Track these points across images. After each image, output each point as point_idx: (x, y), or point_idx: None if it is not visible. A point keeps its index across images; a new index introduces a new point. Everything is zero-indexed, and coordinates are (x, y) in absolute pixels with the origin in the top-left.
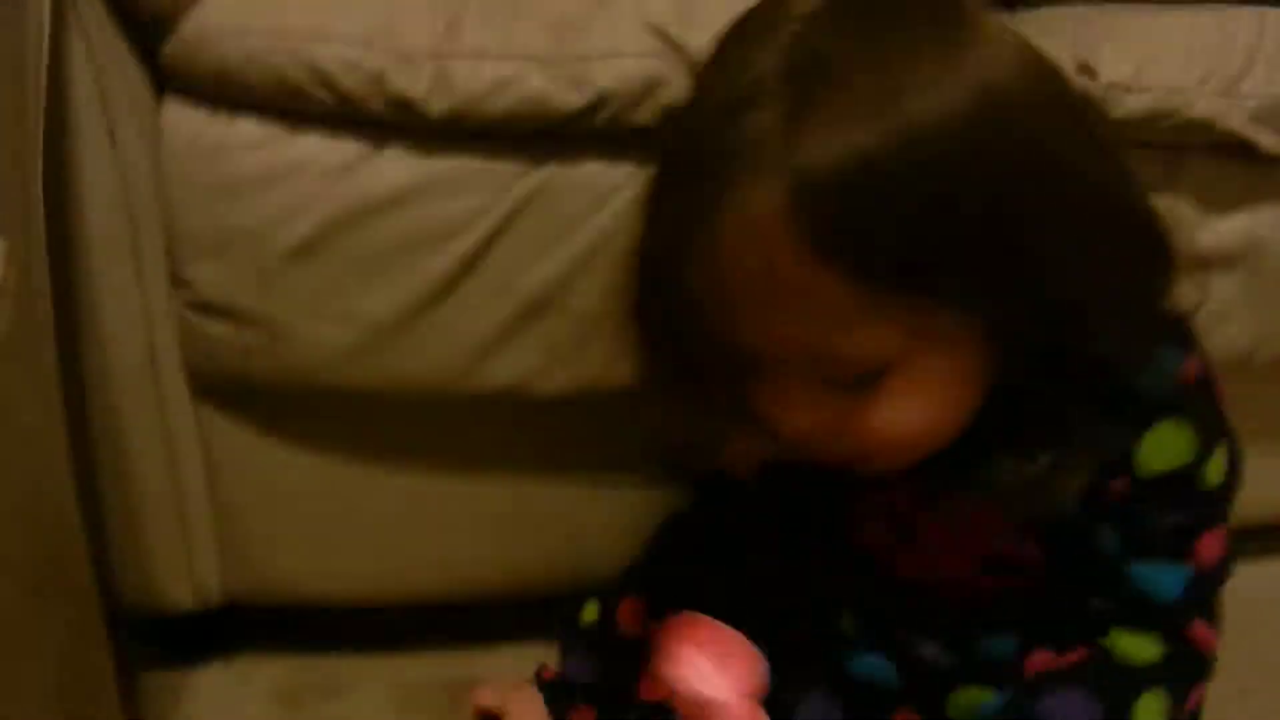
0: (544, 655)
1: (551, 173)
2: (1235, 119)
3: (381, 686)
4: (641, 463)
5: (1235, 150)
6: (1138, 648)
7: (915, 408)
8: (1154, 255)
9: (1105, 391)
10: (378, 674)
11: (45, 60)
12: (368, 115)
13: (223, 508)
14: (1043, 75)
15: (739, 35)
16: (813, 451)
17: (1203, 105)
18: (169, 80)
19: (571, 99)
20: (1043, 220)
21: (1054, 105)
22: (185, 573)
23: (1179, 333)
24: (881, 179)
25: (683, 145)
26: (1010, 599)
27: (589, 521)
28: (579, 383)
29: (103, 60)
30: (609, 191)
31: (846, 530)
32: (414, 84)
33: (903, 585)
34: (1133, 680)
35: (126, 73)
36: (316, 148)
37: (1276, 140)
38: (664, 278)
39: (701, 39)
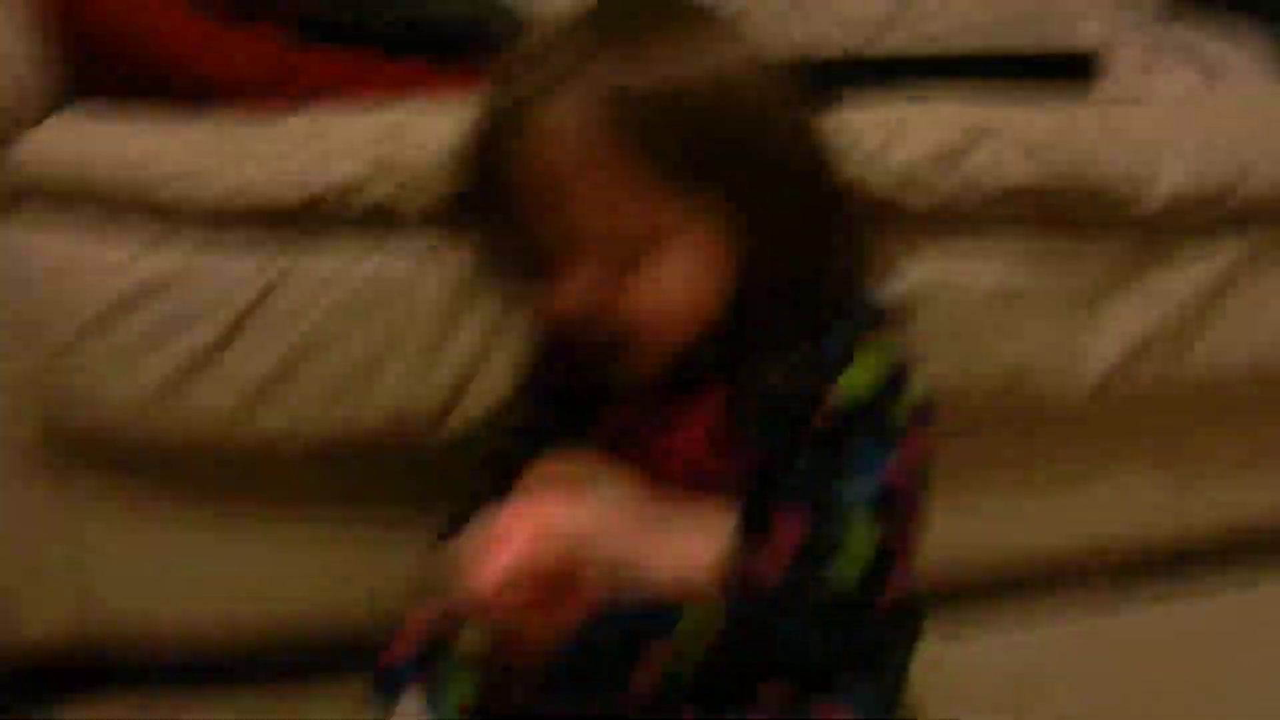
0: None
1: (294, 259)
2: None
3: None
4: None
5: None
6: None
7: (674, 288)
8: (831, 205)
9: (809, 329)
10: (210, 711)
11: None
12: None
13: (78, 551)
14: (766, 65)
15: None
16: (583, 337)
17: None
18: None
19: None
20: (758, 150)
21: (773, 86)
22: (39, 611)
23: (876, 310)
24: (678, 100)
25: (502, 79)
26: None
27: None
28: (329, 436)
29: None
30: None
31: None
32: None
33: None
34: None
35: None
36: (102, 248)
37: None
38: (486, 183)
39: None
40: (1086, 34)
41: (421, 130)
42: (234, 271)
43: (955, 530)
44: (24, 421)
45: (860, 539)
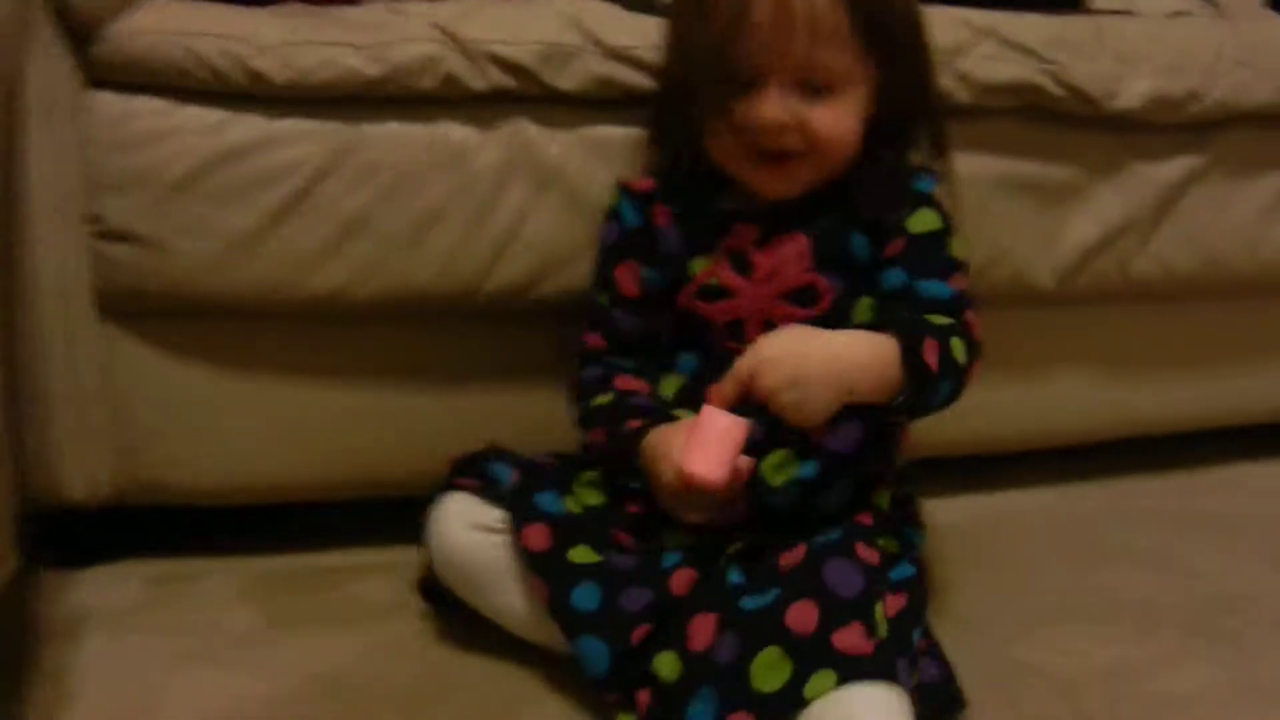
0: (378, 557)
1: (361, 130)
2: None
3: (234, 576)
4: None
5: None
6: (938, 320)
7: (842, 120)
8: (929, 92)
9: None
10: (231, 566)
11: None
12: (235, 87)
13: (117, 411)
14: None
15: None
16: (768, 142)
17: None
18: (91, 71)
19: (374, 70)
20: (911, 36)
21: None
22: (80, 467)
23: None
24: None
25: None
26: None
27: (431, 428)
28: (385, 292)
29: (45, 60)
30: (405, 142)
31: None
32: (265, 63)
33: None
34: (944, 331)
35: (60, 67)
36: (195, 114)
37: None
38: (702, 23)
39: (472, 31)
40: None
41: (488, 16)
42: (310, 137)
43: None
44: (96, 277)
45: (957, 325)
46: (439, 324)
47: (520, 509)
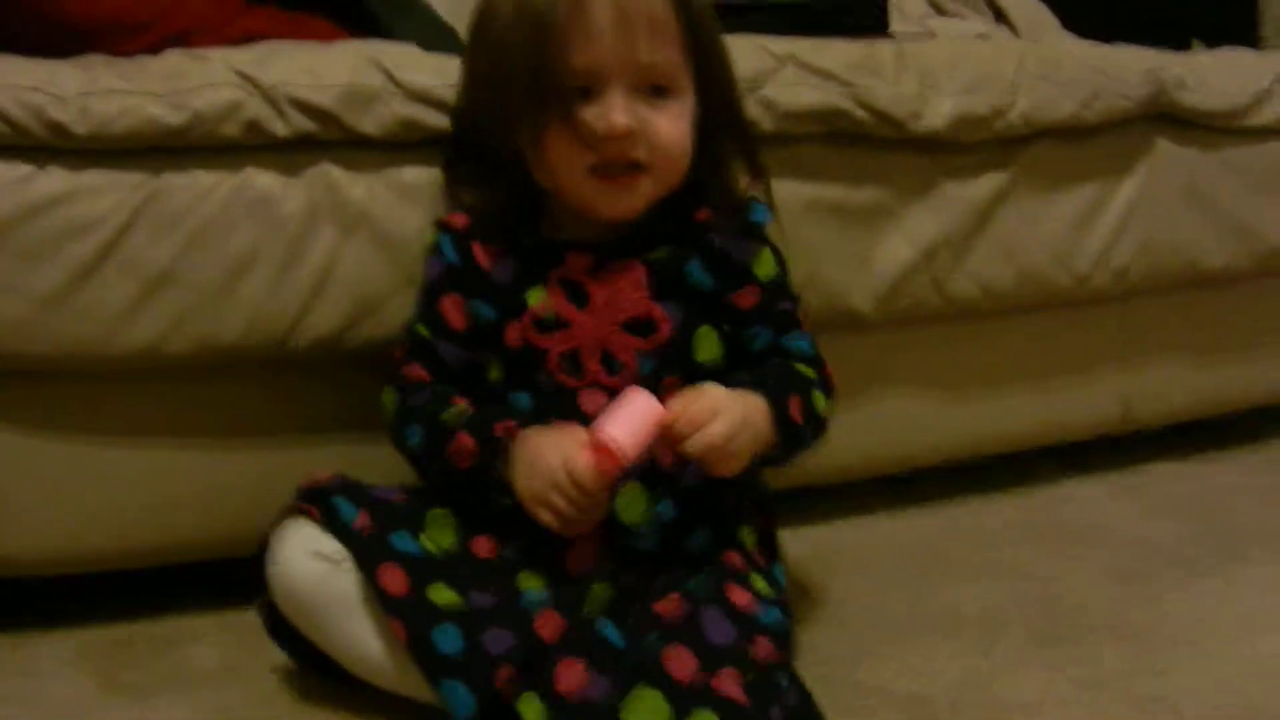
0: (208, 622)
1: (166, 179)
2: None
3: (62, 644)
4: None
5: None
6: (804, 372)
7: (680, 127)
8: (735, 111)
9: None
10: (59, 634)
11: None
12: (35, 139)
13: None
14: None
15: None
16: (615, 153)
17: None
18: None
19: (175, 118)
20: (720, 47)
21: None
22: None
23: (764, 205)
24: None
25: None
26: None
27: (252, 484)
28: (198, 345)
29: None
30: (211, 190)
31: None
32: (65, 113)
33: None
34: (807, 383)
35: None
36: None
37: None
38: (543, 31)
39: (273, 75)
40: None
41: (288, 60)
42: (115, 188)
43: None
44: None
45: (818, 377)
46: (255, 376)
47: (374, 549)
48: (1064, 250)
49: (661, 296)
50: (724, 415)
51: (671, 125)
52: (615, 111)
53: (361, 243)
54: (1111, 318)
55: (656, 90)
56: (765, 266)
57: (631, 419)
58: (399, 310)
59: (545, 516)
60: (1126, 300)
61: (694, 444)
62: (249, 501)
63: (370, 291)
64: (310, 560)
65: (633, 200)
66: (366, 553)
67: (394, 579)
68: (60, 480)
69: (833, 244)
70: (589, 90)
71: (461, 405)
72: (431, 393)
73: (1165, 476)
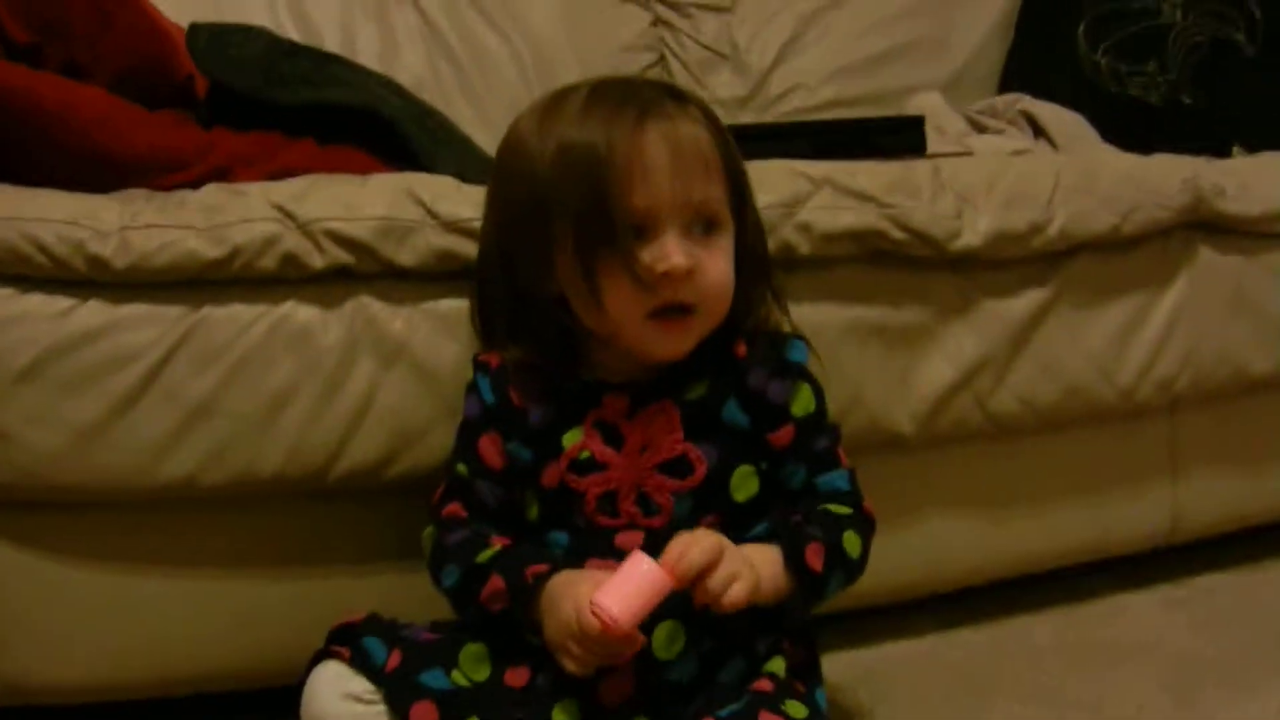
0: None
1: (205, 312)
2: None
3: None
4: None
5: None
6: (837, 511)
7: (726, 266)
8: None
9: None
10: None
11: None
12: (75, 274)
13: None
14: None
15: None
16: (671, 295)
17: None
18: None
19: (214, 252)
20: (748, 185)
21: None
22: None
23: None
24: (727, 134)
25: (612, 100)
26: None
27: (287, 615)
28: (235, 478)
29: None
30: (250, 323)
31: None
32: (105, 248)
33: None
34: (838, 526)
35: None
36: (39, 300)
37: None
38: (598, 170)
39: (310, 209)
40: (922, 103)
41: (325, 193)
42: (154, 321)
43: None
44: None
45: (853, 515)
46: (296, 506)
47: (405, 689)
48: (1107, 364)
49: (697, 436)
50: (727, 558)
51: (720, 264)
52: (675, 253)
53: (400, 374)
54: (1158, 429)
55: (707, 228)
56: (802, 403)
57: (626, 586)
58: (438, 441)
59: (567, 663)
60: (1173, 411)
61: (704, 595)
62: (289, 631)
63: (409, 423)
64: (342, 702)
65: (685, 342)
66: (398, 693)
67: (427, 717)
68: (99, 609)
69: (873, 366)
70: (643, 230)
71: (497, 546)
72: (469, 533)
73: (1216, 588)
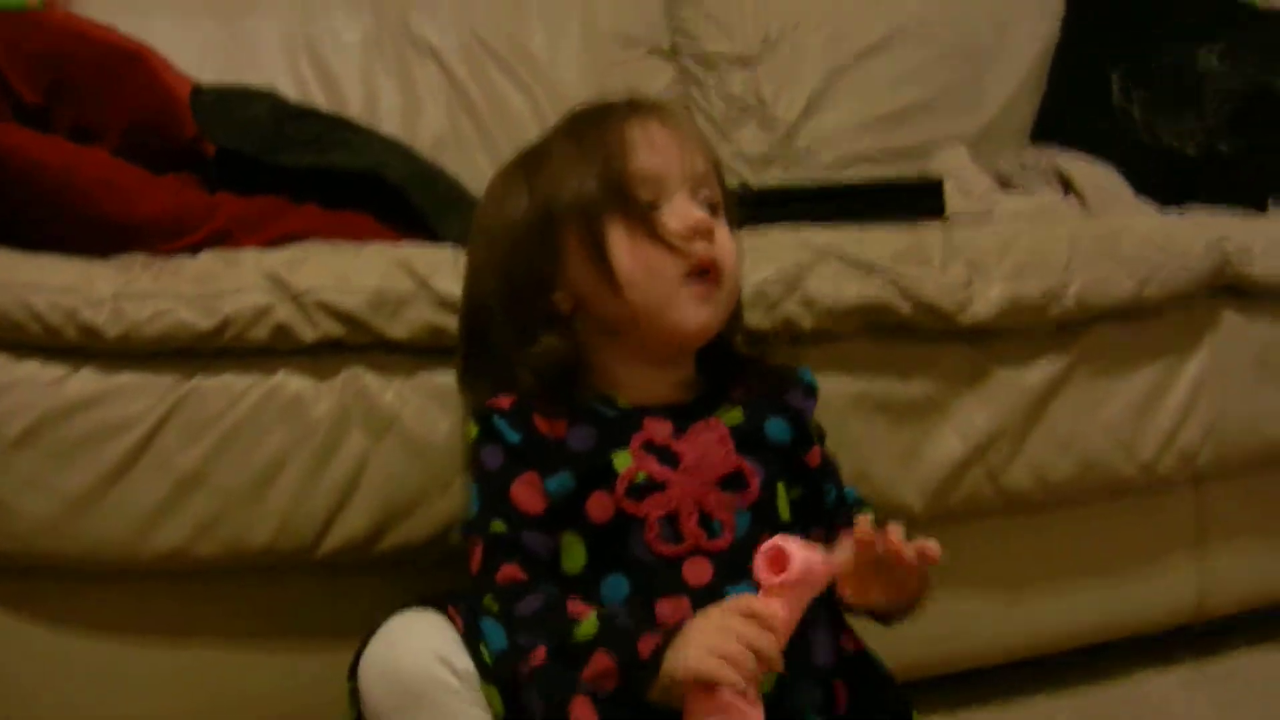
0: None
1: (197, 382)
2: None
3: None
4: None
5: None
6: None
7: (734, 244)
8: None
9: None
10: None
11: None
12: (67, 342)
13: None
14: None
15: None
16: (703, 248)
17: None
18: None
19: (206, 323)
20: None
21: None
22: None
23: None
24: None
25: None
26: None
27: (276, 687)
28: (226, 549)
29: None
30: (241, 394)
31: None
32: (97, 316)
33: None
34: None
35: None
36: (33, 369)
37: None
38: (605, 150)
39: (303, 279)
40: (947, 160)
41: (320, 263)
42: (146, 391)
43: None
44: None
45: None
46: (289, 577)
47: (564, 682)
48: (1126, 436)
49: (745, 451)
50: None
51: (729, 237)
52: (686, 206)
53: (392, 447)
54: (1183, 502)
55: (710, 209)
56: (815, 424)
57: (799, 544)
58: (429, 515)
59: (723, 671)
60: (1198, 483)
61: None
62: (285, 703)
63: (400, 496)
64: (437, 664)
65: (715, 313)
66: (554, 685)
67: (586, 714)
68: (90, 680)
69: (880, 440)
70: (654, 204)
71: (591, 616)
72: (540, 599)
73: (1242, 666)
